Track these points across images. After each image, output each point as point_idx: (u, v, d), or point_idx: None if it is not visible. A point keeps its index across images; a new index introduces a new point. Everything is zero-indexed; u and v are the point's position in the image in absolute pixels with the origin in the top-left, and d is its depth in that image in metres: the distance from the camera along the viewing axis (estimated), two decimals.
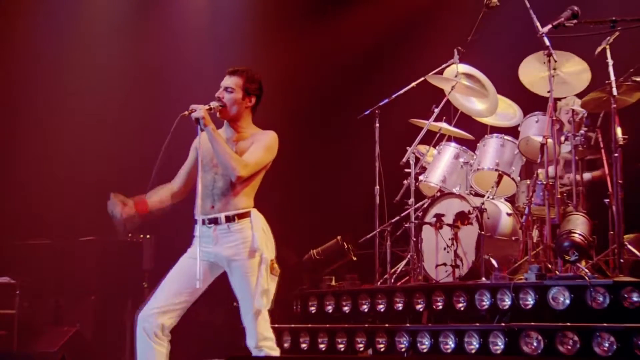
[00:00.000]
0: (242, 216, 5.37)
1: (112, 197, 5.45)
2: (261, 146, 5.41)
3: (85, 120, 9.96)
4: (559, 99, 8.06)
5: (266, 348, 5.36)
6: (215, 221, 5.39)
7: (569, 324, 6.30)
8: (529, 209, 7.34)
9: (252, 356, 5.31)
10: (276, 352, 5.44)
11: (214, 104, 5.44)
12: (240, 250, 5.34)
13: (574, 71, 7.75)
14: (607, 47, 7.19)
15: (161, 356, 5.33)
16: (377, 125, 8.39)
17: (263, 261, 5.31)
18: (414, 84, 8.36)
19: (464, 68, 8.42)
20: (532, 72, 7.84)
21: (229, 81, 5.49)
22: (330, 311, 7.90)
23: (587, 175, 7.97)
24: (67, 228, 9.83)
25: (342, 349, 7.43)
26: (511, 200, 8.16)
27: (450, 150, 8.33)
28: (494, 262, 7.42)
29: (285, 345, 7.66)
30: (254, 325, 5.34)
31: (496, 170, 7.97)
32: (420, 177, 8.24)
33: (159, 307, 5.35)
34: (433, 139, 8.41)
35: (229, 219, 5.36)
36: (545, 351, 6.25)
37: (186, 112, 5.34)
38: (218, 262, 5.43)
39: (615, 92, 7.01)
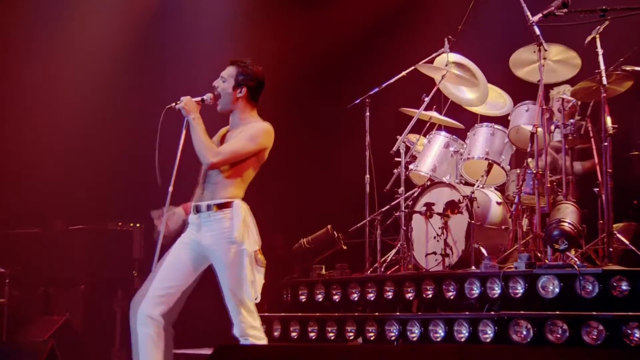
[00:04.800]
0: (223, 206, 5.39)
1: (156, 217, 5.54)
2: (243, 136, 5.45)
3: (77, 110, 9.94)
4: (551, 87, 8.07)
5: (252, 337, 5.35)
6: (199, 209, 5.44)
7: (558, 312, 6.32)
8: (519, 197, 7.34)
9: (242, 344, 5.31)
10: (263, 341, 5.44)
11: (207, 96, 5.53)
12: (218, 240, 5.37)
13: (563, 59, 7.75)
14: (597, 36, 7.19)
15: (152, 340, 5.34)
16: (368, 114, 8.38)
17: (244, 253, 5.31)
18: (404, 72, 8.35)
19: (454, 57, 8.42)
20: (523, 61, 7.84)
21: (225, 71, 5.59)
22: (321, 300, 7.90)
23: (577, 167, 7.97)
24: (58, 217, 9.83)
25: (332, 338, 7.45)
26: (501, 189, 8.17)
27: (440, 139, 8.33)
28: (483, 251, 7.43)
29: (275, 334, 7.68)
30: (237, 315, 5.35)
31: (486, 159, 7.97)
32: (411, 166, 8.24)
33: (149, 293, 5.38)
34: (423, 128, 8.41)
35: (210, 208, 5.40)
36: (535, 340, 6.27)
37: (173, 104, 5.46)
38: (203, 251, 5.44)
39: (605, 81, 7.02)
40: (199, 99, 5.51)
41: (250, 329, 5.36)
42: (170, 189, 5.41)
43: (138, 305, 5.37)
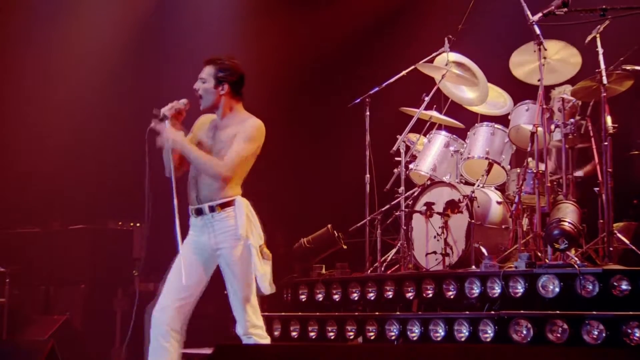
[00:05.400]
0: (225, 205, 5.40)
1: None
2: (242, 139, 5.43)
3: (77, 109, 9.94)
4: (552, 87, 8.07)
5: (255, 336, 5.37)
6: (200, 212, 5.43)
7: (558, 312, 6.32)
8: (519, 197, 7.34)
9: (240, 344, 5.31)
10: (266, 340, 5.47)
11: (182, 102, 5.51)
12: (224, 239, 5.38)
13: (563, 57, 7.75)
14: (598, 35, 7.19)
15: (171, 356, 5.34)
16: (368, 113, 8.37)
17: (250, 248, 5.32)
18: (404, 72, 8.35)
19: (454, 56, 8.41)
20: (522, 62, 7.84)
21: (203, 71, 5.57)
22: (321, 299, 7.90)
23: (578, 174, 7.96)
24: (58, 216, 9.82)
25: (332, 337, 7.45)
26: (501, 188, 8.17)
27: (440, 138, 8.33)
28: (484, 250, 7.43)
29: (276, 333, 7.67)
30: (241, 314, 5.36)
31: (486, 158, 7.97)
32: (411, 166, 8.24)
33: (170, 305, 5.37)
34: (423, 127, 8.41)
35: (212, 209, 5.41)
36: (535, 339, 6.27)
37: (152, 125, 5.46)
38: (210, 252, 5.44)
39: (605, 80, 7.02)
40: (172, 111, 5.46)
41: (253, 327, 5.38)
42: (175, 201, 5.40)
43: (160, 317, 5.35)
